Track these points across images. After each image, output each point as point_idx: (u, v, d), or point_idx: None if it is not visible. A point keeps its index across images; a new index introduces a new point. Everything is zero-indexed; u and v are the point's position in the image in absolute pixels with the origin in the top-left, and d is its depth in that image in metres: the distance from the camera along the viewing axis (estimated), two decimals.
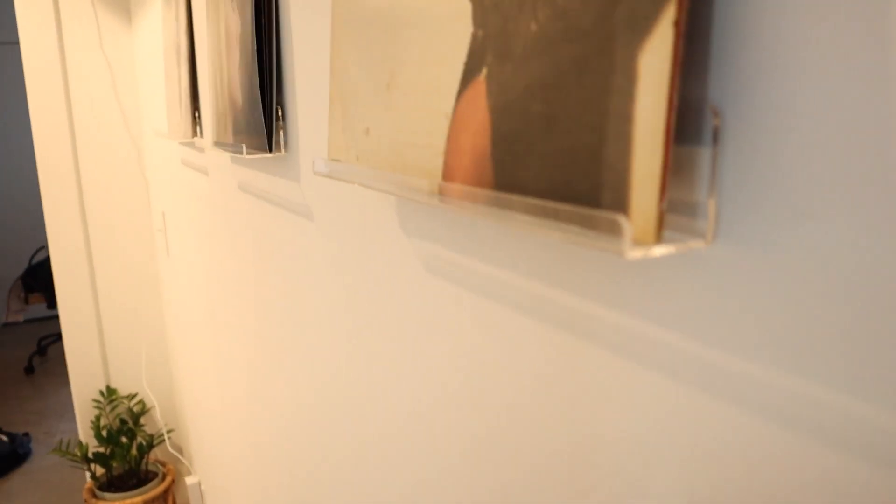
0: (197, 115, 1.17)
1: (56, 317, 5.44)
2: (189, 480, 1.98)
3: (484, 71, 0.31)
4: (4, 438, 3.33)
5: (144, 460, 2.19)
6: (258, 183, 0.84)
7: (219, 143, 0.89)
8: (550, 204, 0.26)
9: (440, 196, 0.34)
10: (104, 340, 2.28)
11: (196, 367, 1.75)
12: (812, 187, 0.21)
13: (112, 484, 2.18)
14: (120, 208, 2.24)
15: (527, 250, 0.34)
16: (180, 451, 2.27)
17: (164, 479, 2.20)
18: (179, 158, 1.48)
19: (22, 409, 3.98)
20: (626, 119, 0.23)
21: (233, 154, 0.95)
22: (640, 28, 0.22)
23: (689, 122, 0.24)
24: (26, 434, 3.46)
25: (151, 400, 2.30)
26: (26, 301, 4.26)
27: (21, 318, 4.44)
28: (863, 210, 0.20)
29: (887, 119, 0.19)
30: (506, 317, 0.36)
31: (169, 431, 2.27)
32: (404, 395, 0.51)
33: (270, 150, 0.69)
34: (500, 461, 0.38)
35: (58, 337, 4.72)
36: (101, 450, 2.17)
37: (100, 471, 2.20)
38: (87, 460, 2.13)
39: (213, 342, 1.41)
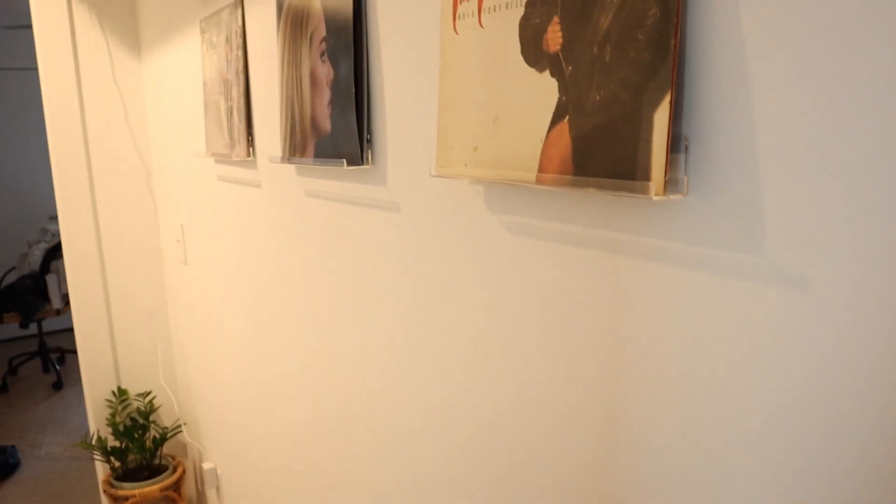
0: (251, 138, 1.43)
1: (26, 337, 5.48)
2: (206, 466, 2.20)
3: (567, 118, 0.60)
4: None
5: (158, 453, 2.39)
6: (334, 189, 1.11)
7: (293, 160, 1.16)
8: (609, 180, 0.56)
9: (537, 182, 0.63)
10: (115, 345, 2.47)
11: (218, 364, 1.98)
12: (726, 169, 0.51)
13: (126, 476, 2.37)
14: (130, 223, 2.45)
15: (584, 210, 0.64)
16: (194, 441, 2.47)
17: (175, 470, 2.41)
18: (215, 175, 1.73)
19: (4, 424, 4.05)
20: (649, 142, 0.53)
21: (301, 166, 1.22)
22: (654, 103, 0.52)
23: (675, 143, 0.54)
24: (13, 446, 3.56)
25: (168, 395, 2.50)
26: (1, 320, 4.33)
27: None
28: (748, 178, 0.50)
29: (752, 148, 0.49)
30: (571, 251, 0.66)
31: (183, 424, 2.48)
32: (487, 343, 0.80)
33: (363, 164, 0.97)
34: (587, 362, 0.68)
35: (30, 356, 4.78)
36: (118, 444, 2.36)
37: (115, 463, 2.38)
38: (107, 453, 2.32)
39: (251, 338, 1.66)
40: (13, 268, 4.69)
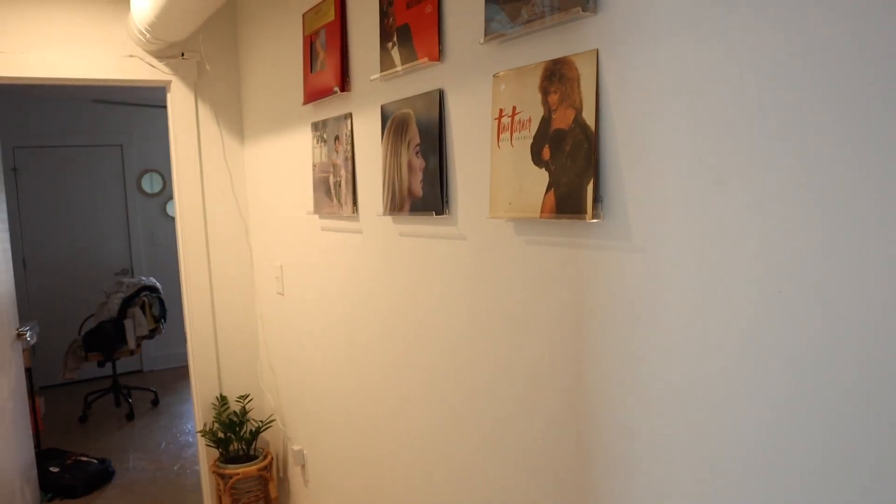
0: (355, 201, 2.21)
1: (100, 377, 6.18)
2: (295, 447, 2.90)
3: (553, 189, 1.38)
4: (95, 461, 4.12)
5: (254, 443, 3.09)
6: (421, 231, 1.88)
7: (392, 213, 1.93)
8: (571, 215, 1.32)
9: (540, 217, 1.40)
10: (219, 359, 3.20)
11: (309, 370, 2.71)
12: (616, 208, 1.27)
13: (229, 461, 3.06)
14: (232, 265, 3.22)
15: (559, 229, 1.40)
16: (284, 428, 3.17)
17: (265, 457, 3.10)
18: (319, 227, 2.51)
19: (90, 447, 4.73)
20: (586, 198, 1.30)
21: (396, 217, 2.00)
22: (587, 183, 1.30)
23: (596, 198, 1.30)
24: (108, 459, 4.25)
25: (262, 397, 3.22)
26: (85, 359, 5.05)
27: (76, 375, 5.21)
28: (623, 211, 1.26)
29: (624, 200, 1.25)
30: (556, 249, 1.41)
31: (273, 419, 3.19)
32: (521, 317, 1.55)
33: (442, 214, 1.74)
34: (560, 332, 1.44)
35: (103, 393, 5.48)
36: (222, 435, 3.07)
37: (220, 451, 3.08)
38: (216, 441, 3.02)
39: (344, 346, 2.40)
40: (91, 315, 5.44)
